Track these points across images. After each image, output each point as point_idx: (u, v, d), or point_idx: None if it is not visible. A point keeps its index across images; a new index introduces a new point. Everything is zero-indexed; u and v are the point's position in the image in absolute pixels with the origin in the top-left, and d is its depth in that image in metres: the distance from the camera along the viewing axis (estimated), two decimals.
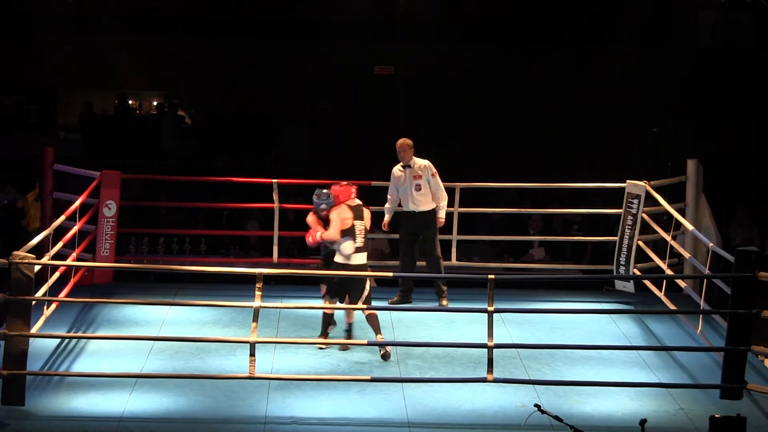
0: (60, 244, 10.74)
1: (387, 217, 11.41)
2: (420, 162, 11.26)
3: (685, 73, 18.28)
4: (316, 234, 10.04)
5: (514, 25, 18.93)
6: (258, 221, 14.74)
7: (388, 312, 11.12)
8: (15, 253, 8.85)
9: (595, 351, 10.11)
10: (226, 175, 14.40)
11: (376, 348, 9.96)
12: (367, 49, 19.16)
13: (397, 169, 11.32)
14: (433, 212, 11.26)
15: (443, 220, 11.31)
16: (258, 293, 9.02)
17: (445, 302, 11.28)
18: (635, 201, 11.61)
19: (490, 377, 9.03)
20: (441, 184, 11.28)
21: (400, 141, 11.25)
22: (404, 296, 11.41)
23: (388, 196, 11.42)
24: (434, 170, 11.26)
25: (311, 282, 11.34)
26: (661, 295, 11.21)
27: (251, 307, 9.08)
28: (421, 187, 11.21)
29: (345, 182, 10.30)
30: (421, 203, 11.25)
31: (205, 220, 15.48)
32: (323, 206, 10.11)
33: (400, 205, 11.37)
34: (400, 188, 11.30)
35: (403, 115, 19.06)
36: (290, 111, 19.14)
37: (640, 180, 11.73)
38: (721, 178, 15.21)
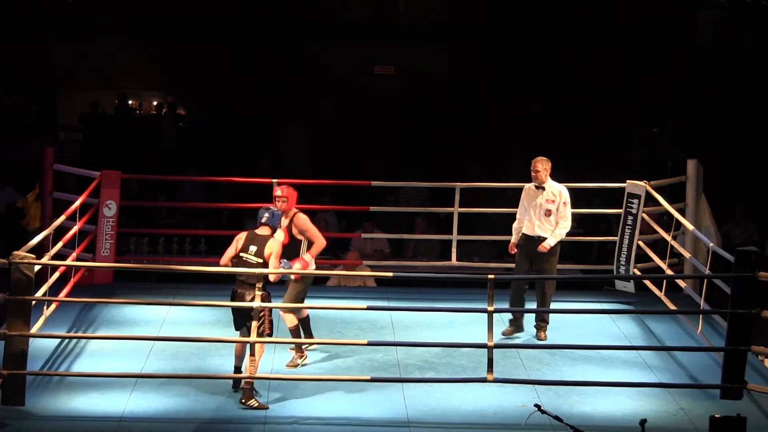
0: (60, 244, 10.74)
1: (515, 238, 10.65)
2: (555, 186, 10.56)
3: (685, 73, 18.28)
4: (305, 259, 9.57)
5: (514, 24, 18.93)
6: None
7: (388, 312, 11.13)
8: (15, 253, 8.85)
9: (595, 351, 10.11)
10: (225, 175, 14.39)
11: (376, 348, 9.96)
12: (367, 49, 19.16)
13: (530, 188, 10.61)
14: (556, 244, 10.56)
15: (548, 247, 10.44)
16: (258, 293, 9.01)
17: (543, 335, 10.49)
18: (635, 201, 11.61)
19: (490, 377, 9.03)
20: (569, 214, 10.55)
21: (535, 160, 10.54)
22: (516, 326, 10.60)
23: (518, 215, 10.68)
24: (568, 198, 10.54)
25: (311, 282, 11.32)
26: (661, 295, 11.21)
27: (251, 307, 9.07)
28: (551, 212, 10.48)
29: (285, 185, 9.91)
30: (546, 230, 10.50)
31: (205, 220, 15.49)
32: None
33: None
34: (529, 209, 10.57)
35: (403, 115, 19.08)
36: (290, 111, 19.13)
37: (640, 180, 11.73)
38: (721, 178, 15.21)
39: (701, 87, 18.18)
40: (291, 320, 9.75)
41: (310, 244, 9.71)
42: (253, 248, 9.09)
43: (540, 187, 10.56)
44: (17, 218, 12.75)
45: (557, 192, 10.54)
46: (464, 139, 18.53)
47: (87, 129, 19.19)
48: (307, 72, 18.98)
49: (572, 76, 18.52)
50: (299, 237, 9.70)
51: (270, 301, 9.07)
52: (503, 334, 10.47)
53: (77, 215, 11.38)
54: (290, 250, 9.61)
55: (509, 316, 10.69)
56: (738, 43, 18.74)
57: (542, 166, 10.54)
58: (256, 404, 8.85)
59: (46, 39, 18.63)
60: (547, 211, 10.51)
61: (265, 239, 9.10)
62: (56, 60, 18.90)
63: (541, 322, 10.58)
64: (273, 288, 9.21)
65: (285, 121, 19.12)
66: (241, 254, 9.11)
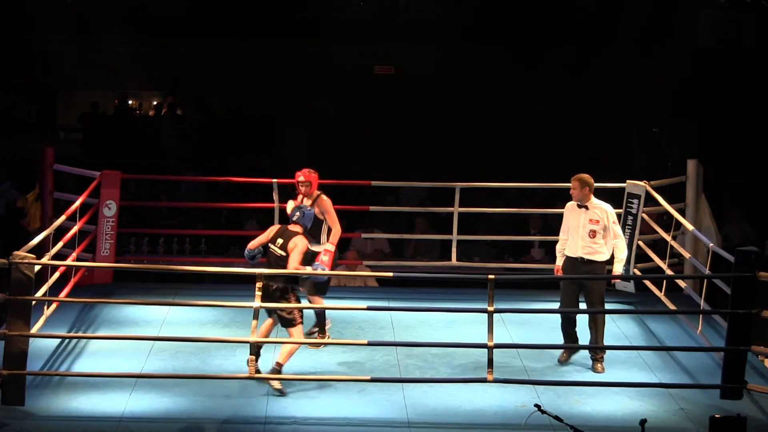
0: (60, 244, 10.75)
1: (560, 261, 9.99)
2: (600, 204, 9.88)
3: (685, 73, 18.27)
4: (329, 249, 9.93)
5: (514, 24, 18.92)
6: (257, 221, 14.74)
7: (388, 312, 11.13)
8: (15, 253, 8.85)
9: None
10: (225, 175, 14.40)
11: (376, 348, 9.96)
12: (367, 49, 19.16)
13: (573, 206, 9.95)
14: (602, 264, 9.87)
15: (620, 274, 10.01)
16: (258, 293, 9.02)
17: (600, 366, 9.75)
18: (635, 201, 11.61)
19: (490, 377, 9.03)
20: (621, 231, 10.00)
21: (576, 177, 9.89)
22: (569, 353, 10.00)
23: (561, 236, 10.01)
24: (615, 216, 9.90)
25: None
26: (661, 295, 11.21)
27: (251, 307, 9.07)
28: (596, 233, 9.80)
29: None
30: (592, 252, 9.82)
31: (204, 220, 15.49)
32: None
33: None
34: (571, 229, 9.92)
35: (403, 115, 19.07)
36: (290, 111, 19.13)
37: (640, 180, 11.73)
38: (721, 178, 15.21)
39: (701, 87, 18.17)
40: (319, 302, 10.10)
41: (329, 230, 9.99)
42: (279, 241, 9.36)
43: (582, 206, 9.91)
44: (17, 218, 12.75)
45: (602, 211, 9.87)
46: (464, 139, 18.51)
47: (87, 129, 19.21)
48: (306, 72, 18.97)
49: (573, 75, 18.52)
50: (321, 218, 10.03)
51: (295, 295, 9.34)
52: (559, 361, 9.98)
53: (77, 215, 11.39)
54: (314, 229, 9.85)
55: (506, 314, 10.66)
56: (738, 43, 18.74)
57: (581, 183, 9.89)
58: (252, 366, 9.00)
59: (46, 39, 18.62)
60: (591, 232, 9.82)
61: (292, 234, 9.35)
62: (56, 60, 18.89)
63: (597, 354, 9.87)
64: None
65: (285, 121, 19.11)
66: (269, 244, 9.41)
